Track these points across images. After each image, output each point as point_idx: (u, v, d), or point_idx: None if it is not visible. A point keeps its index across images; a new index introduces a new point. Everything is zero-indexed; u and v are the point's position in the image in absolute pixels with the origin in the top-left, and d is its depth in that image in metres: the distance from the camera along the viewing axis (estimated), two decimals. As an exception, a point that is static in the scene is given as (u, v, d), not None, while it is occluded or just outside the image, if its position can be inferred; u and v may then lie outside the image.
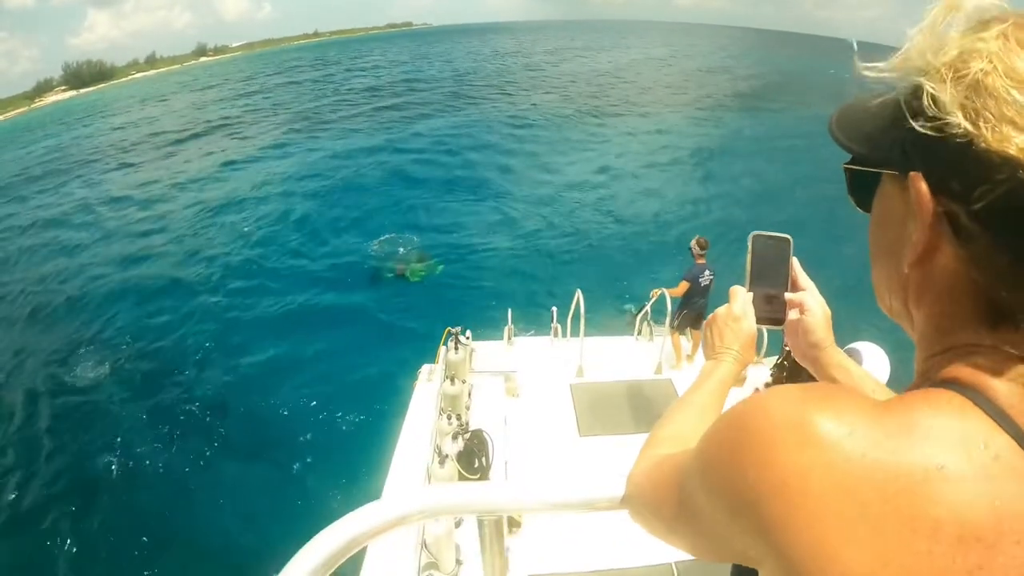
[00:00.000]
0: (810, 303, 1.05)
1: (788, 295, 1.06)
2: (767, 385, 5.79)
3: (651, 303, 7.60)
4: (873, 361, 4.70)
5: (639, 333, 7.79)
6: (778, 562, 0.48)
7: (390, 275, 14.79)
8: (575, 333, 7.16)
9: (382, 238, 17.01)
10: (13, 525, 8.09)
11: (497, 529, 1.13)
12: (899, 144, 0.59)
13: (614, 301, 11.71)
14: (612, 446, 5.60)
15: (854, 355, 5.83)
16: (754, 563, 0.53)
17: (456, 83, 54.89)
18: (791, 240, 1.06)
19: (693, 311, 7.38)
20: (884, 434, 0.47)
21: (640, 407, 6.26)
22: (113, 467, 8.99)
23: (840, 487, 0.46)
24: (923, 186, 0.55)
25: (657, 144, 29.60)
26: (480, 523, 1.12)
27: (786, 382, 5.54)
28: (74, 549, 7.63)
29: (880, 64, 0.60)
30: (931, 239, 0.55)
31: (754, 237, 1.06)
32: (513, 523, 4.42)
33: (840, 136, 0.69)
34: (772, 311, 1.06)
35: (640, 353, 7.44)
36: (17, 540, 7.86)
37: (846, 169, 0.70)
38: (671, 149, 28.55)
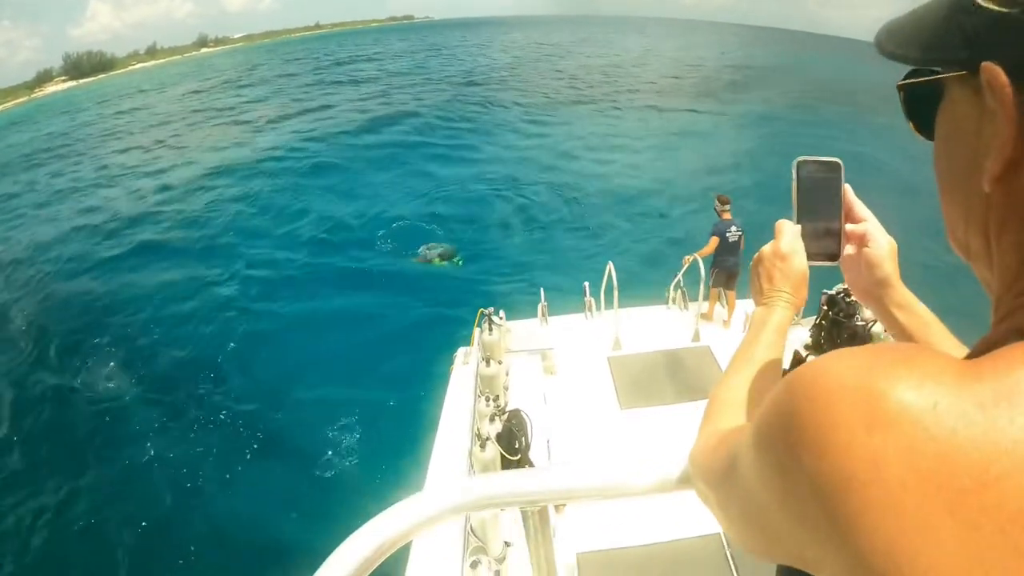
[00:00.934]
0: (874, 233, 0.94)
1: (850, 226, 0.95)
2: (806, 347, 5.66)
3: (683, 271, 7.53)
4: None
5: (673, 301, 7.68)
6: (843, 567, 0.39)
7: (415, 263, 14.78)
8: (608, 306, 7.09)
9: (400, 226, 17.03)
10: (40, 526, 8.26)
11: (543, 518, 1.08)
12: (962, 36, 0.49)
13: (645, 271, 11.54)
14: (654, 417, 5.55)
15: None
16: (811, 566, 0.44)
17: (467, 76, 54.39)
18: (841, 164, 0.95)
19: (724, 270, 7.38)
20: (977, 404, 0.38)
21: (679, 376, 6.18)
22: (150, 464, 9.09)
23: (923, 475, 0.36)
24: (1001, 74, 0.45)
25: (675, 126, 29.48)
26: (524, 513, 1.07)
27: (825, 342, 5.42)
28: (101, 550, 7.71)
29: None
30: (1019, 139, 0.45)
31: (799, 163, 0.95)
32: (558, 505, 4.41)
33: (891, 46, 0.59)
34: (825, 245, 0.95)
35: (676, 321, 7.34)
36: (43, 539, 8.03)
37: (901, 88, 0.61)
38: (686, 133, 28.34)
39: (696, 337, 6.83)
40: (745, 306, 7.35)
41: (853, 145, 25.46)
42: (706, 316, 7.32)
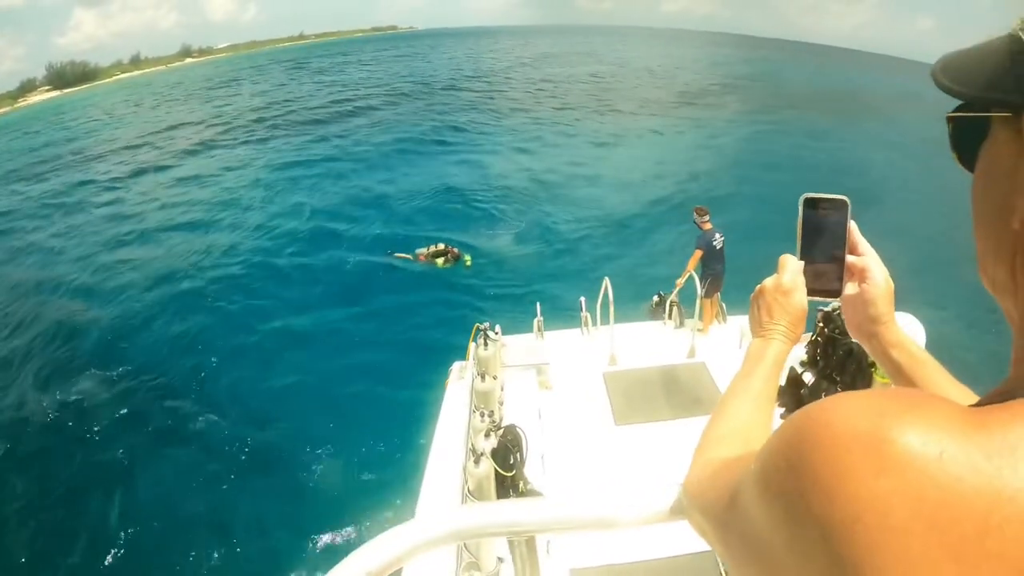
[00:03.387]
0: (873, 270, 0.95)
1: (850, 258, 0.96)
2: (802, 363, 5.64)
3: (676, 290, 7.61)
4: (907, 331, 4.57)
5: (669, 317, 7.69)
6: None
7: (415, 268, 14.69)
8: (605, 321, 7.10)
9: (398, 235, 16.96)
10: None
11: (529, 547, 1.07)
12: (1015, 80, 0.52)
13: (641, 287, 11.60)
14: (649, 433, 5.53)
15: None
16: None
17: (458, 84, 54.64)
18: (848, 202, 0.95)
19: (715, 277, 7.65)
20: (984, 455, 0.38)
21: (675, 392, 6.18)
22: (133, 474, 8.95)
23: (928, 521, 0.37)
24: None
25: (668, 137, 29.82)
26: (511, 542, 1.07)
27: (821, 358, 5.41)
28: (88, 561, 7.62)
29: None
30: None
31: (805, 200, 0.95)
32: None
33: (946, 81, 0.61)
34: (826, 281, 0.96)
35: (672, 338, 7.35)
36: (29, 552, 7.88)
37: (951, 119, 0.63)
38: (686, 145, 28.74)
39: (692, 353, 6.83)
40: (739, 322, 7.37)
41: (825, 152, 26.17)
42: (702, 331, 7.34)
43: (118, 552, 7.61)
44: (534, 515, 0.97)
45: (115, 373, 11.48)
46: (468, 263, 14.58)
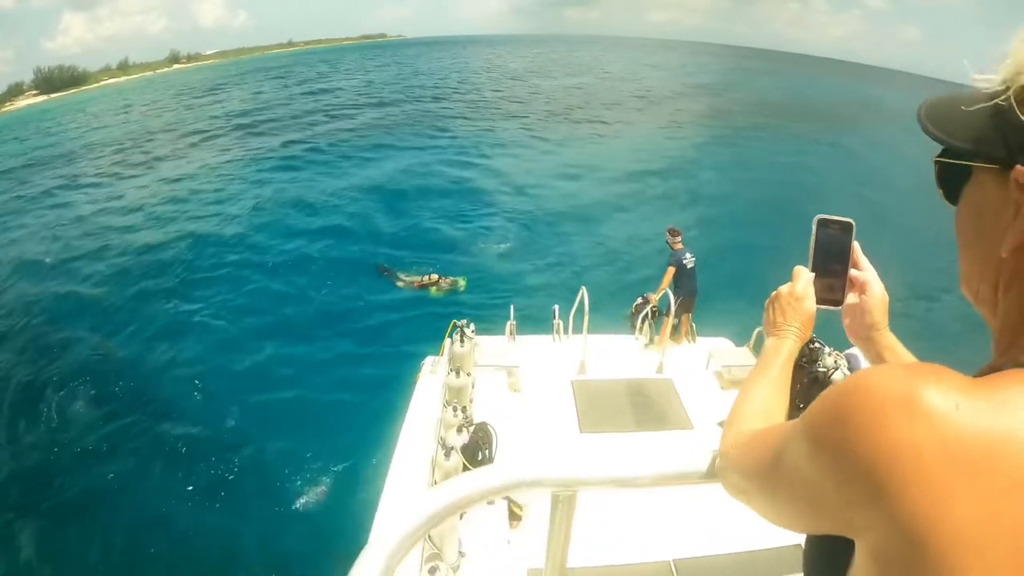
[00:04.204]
0: (872, 283, 1.09)
1: (853, 272, 1.10)
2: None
3: (650, 306, 7.77)
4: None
5: (640, 332, 7.83)
6: (889, 525, 0.51)
7: (407, 288, 14.11)
8: (577, 330, 7.20)
9: (390, 253, 16.42)
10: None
11: (570, 504, 1.18)
12: (1002, 140, 0.64)
13: (617, 300, 11.71)
14: (612, 443, 5.63)
15: (852, 360, 5.90)
16: (857, 531, 0.56)
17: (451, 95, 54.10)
18: (854, 224, 1.10)
19: (688, 295, 7.95)
20: (989, 406, 0.51)
21: (640, 405, 6.29)
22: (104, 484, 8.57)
23: (951, 453, 0.49)
24: None
25: (654, 151, 30.01)
26: (555, 499, 1.17)
27: (809, 356, 5.61)
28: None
29: (992, 76, 0.64)
30: None
31: (819, 221, 1.10)
32: (514, 516, 4.46)
33: (934, 130, 0.73)
34: (832, 293, 1.10)
35: (641, 352, 7.48)
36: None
37: (937, 162, 0.74)
38: (667, 156, 29.01)
39: (660, 369, 6.96)
40: (708, 344, 7.54)
41: (800, 157, 26.90)
42: (656, 346, 7.52)
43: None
44: (579, 471, 1.08)
45: (89, 387, 10.98)
46: (462, 287, 13.93)
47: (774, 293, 1.14)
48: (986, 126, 0.65)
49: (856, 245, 1.11)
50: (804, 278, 1.10)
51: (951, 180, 0.72)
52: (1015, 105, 0.61)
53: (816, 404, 0.62)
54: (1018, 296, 0.65)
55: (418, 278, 14.16)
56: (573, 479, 1.08)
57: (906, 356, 1.08)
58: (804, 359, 5.73)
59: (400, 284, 14.17)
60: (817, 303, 1.10)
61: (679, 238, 8.16)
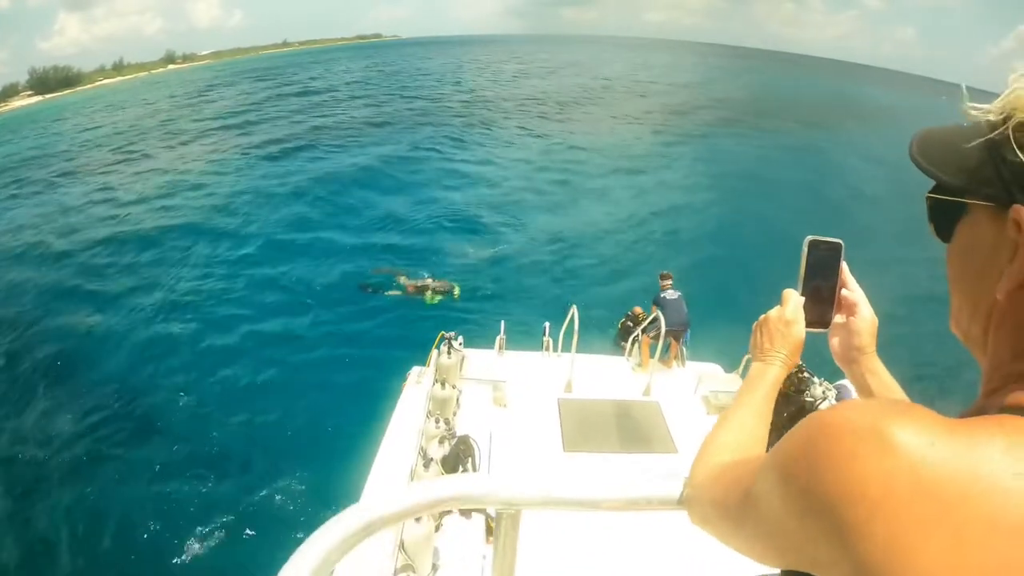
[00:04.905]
0: (861, 306, 1.07)
1: (844, 292, 1.07)
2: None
3: (640, 329, 7.75)
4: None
5: (629, 355, 7.81)
6: (852, 565, 0.49)
7: (397, 295, 13.78)
8: (567, 349, 7.17)
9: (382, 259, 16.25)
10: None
11: (513, 523, 1.12)
12: (998, 177, 0.61)
13: (608, 321, 11.68)
14: (596, 463, 5.58)
15: (843, 391, 5.88)
16: (822, 568, 0.54)
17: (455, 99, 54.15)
18: (843, 245, 1.07)
19: (674, 327, 7.93)
20: (965, 446, 0.48)
21: (626, 427, 6.25)
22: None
23: (922, 491, 0.46)
24: None
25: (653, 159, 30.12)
26: (498, 516, 1.12)
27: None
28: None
29: (987, 105, 0.62)
30: None
31: (809, 242, 1.07)
32: (491, 530, 4.39)
33: (927, 165, 0.70)
34: (821, 315, 1.07)
35: (629, 374, 7.46)
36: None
37: (930, 198, 0.72)
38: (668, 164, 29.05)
39: (647, 392, 6.93)
40: (697, 369, 7.52)
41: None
42: (644, 364, 7.53)
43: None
44: (533, 490, 1.03)
45: (74, 390, 10.86)
46: (457, 294, 13.57)
47: (762, 317, 1.10)
48: (982, 161, 0.63)
49: (844, 266, 1.08)
50: (794, 301, 1.07)
51: (943, 217, 0.70)
52: (1013, 141, 0.59)
53: (788, 435, 0.60)
54: (1009, 337, 0.63)
55: (411, 283, 13.79)
56: (514, 498, 1.03)
57: (889, 382, 1.06)
58: (792, 388, 5.74)
59: (392, 292, 13.80)
60: (807, 326, 1.07)
61: (668, 281, 8.60)
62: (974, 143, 0.63)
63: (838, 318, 1.08)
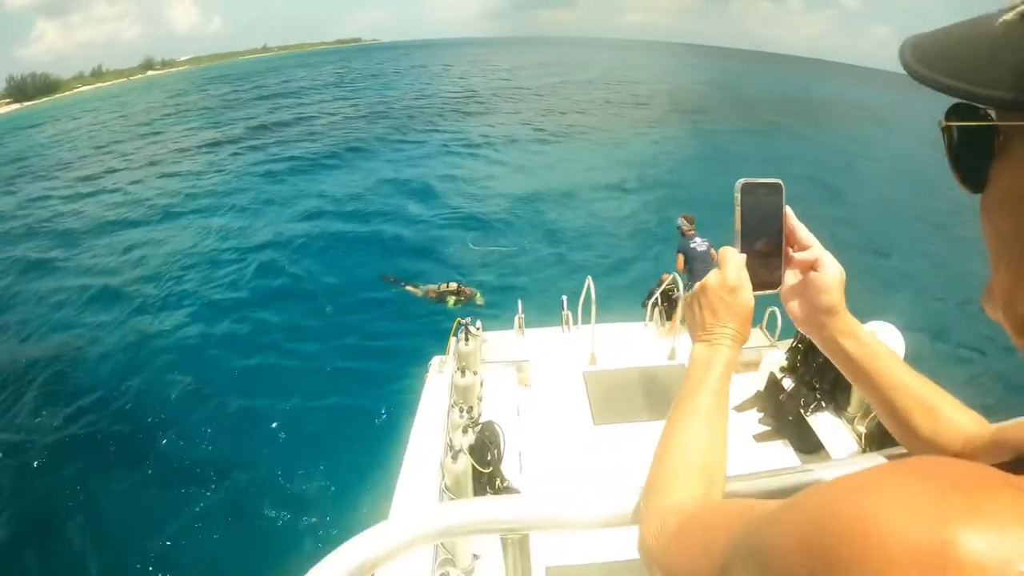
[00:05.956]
0: (823, 260, 0.88)
1: (799, 254, 0.90)
2: (782, 369, 5.68)
3: (660, 288, 7.60)
4: (888, 342, 4.59)
5: (650, 319, 7.70)
6: None
7: (418, 296, 13.31)
8: (586, 321, 7.09)
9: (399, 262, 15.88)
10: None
11: (522, 546, 1.04)
12: None
13: (625, 287, 11.58)
14: (627, 434, 5.53)
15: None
16: None
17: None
18: (783, 185, 0.89)
19: (701, 279, 7.61)
20: None
21: (654, 394, 6.18)
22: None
23: None
24: None
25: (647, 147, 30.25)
26: (503, 541, 1.04)
27: (801, 364, 5.45)
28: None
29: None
30: None
31: (743, 186, 0.88)
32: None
33: (943, 77, 0.47)
34: (768, 274, 0.89)
35: (653, 339, 7.36)
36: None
37: (951, 128, 0.50)
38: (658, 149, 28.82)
39: (672, 355, 6.84)
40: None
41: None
42: (669, 329, 7.36)
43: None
44: (519, 512, 0.94)
45: (66, 401, 10.72)
46: (480, 301, 12.84)
47: (698, 285, 0.90)
48: None
49: (789, 210, 0.89)
50: (734, 262, 0.86)
51: (976, 153, 0.48)
52: None
53: (779, 529, 0.42)
54: None
55: (434, 287, 13.16)
56: (520, 521, 0.93)
57: (873, 343, 0.87)
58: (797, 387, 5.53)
59: (418, 294, 13.27)
60: (754, 290, 0.87)
61: (692, 226, 8.09)
62: (1008, 23, 0.43)
63: (791, 276, 0.91)
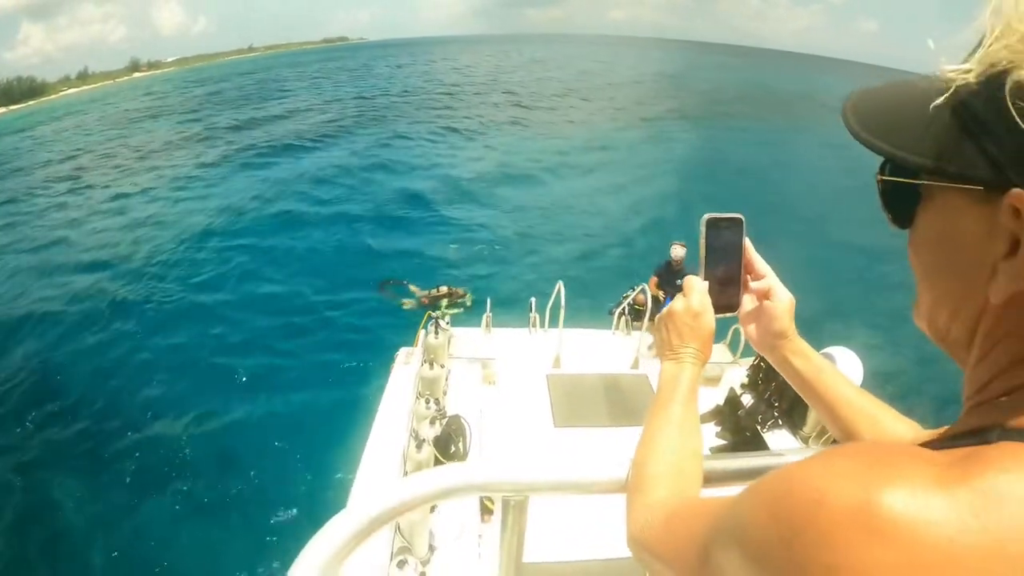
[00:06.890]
0: (776, 288, 0.99)
1: (755, 283, 1.01)
2: (742, 385, 5.85)
3: (630, 298, 7.73)
4: (846, 366, 4.76)
5: (617, 327, 7.82)
6: None
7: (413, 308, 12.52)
8: (553, 324, 7.16)
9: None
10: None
11: (521, 509, 1.10)
12: (984, 156, 0.48)
13: (595, 296, 11.67)
14: (587, 437, 5.61)
15: (827, 359, 5.94)
16: None
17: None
18: (743, 220, 1.00)
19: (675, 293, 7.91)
20: (970, 511, 0.39)
21: (616, 400, 6.28)
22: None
23: None
24: None
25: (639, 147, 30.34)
26: (505, 503, 1.10)
27: (762, 381, 5.62)
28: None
29: (966, 65, 0.49)
30: None
31: (707, 220, 0.98)
32: (486, 510, 4.41)
33: (874, 140, 0.57)
34: (727, 297, 1.00)
35: (618, 347, 7.47)
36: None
37: (883, 181, 0.59)
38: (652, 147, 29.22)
39: (635, 364, 6.96)
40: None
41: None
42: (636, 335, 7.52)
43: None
44: (528, 475, 1.00)
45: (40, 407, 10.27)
46: (468, 303, 12.36)
47: (665, 310, 1.01)
48: (958, 133, 0.50)
49: (748, 243, 1.01)
50: (698, 289, 0.98)
51: (902, 202, 0.58)
52: (1011, 108, 0.44)
53: (749, 507, 0.51)
54: (1011, 342, 0.51)
55: (425, 293, 12.59)
56: (525, 483, 1.01)
57: (820, 363, 0.99)
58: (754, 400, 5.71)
59: (406, 305, 12.62)
60: (716, 312, 0.99)
61: (680, 252, 8.44)
62: (937, 105, 0.51)
63: (749, 302, 1.02)
